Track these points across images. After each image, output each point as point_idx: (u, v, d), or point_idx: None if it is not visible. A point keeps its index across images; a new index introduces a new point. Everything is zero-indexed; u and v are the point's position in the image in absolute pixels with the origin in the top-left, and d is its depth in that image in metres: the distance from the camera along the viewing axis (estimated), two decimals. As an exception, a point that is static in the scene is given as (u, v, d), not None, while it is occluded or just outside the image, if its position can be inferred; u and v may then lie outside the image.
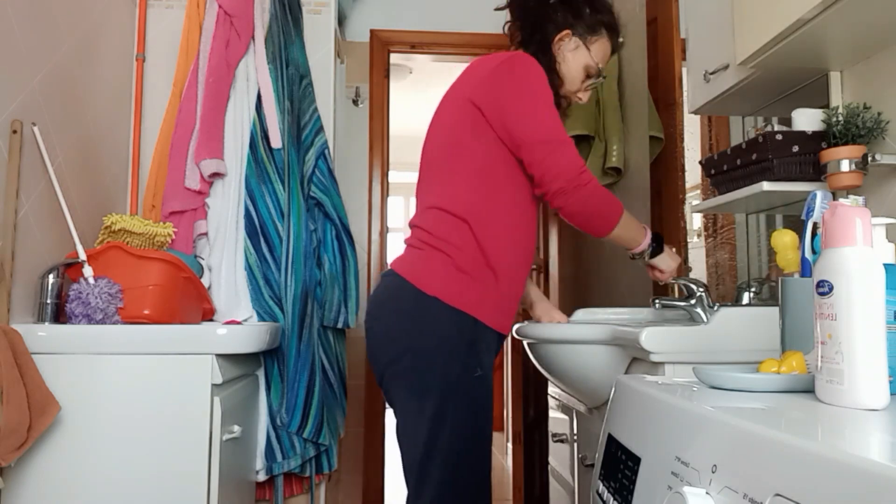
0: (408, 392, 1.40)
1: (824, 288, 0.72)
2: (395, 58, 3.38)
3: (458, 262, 1.40)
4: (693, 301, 1.51)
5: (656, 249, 1.52)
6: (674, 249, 1.58)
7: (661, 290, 2.10)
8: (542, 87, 1.43)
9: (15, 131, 1.55)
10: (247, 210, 2.05)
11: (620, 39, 1.60)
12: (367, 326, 1.49)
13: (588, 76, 1.55)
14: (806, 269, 0.95)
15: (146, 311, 1.68)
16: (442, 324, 1.38)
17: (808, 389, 0.79)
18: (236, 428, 1.67)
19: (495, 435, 5.20)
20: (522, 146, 1.39)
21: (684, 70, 1.92)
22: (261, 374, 2.00)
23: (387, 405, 1.61)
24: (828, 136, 1.29)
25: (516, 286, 1.48)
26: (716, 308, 1.30)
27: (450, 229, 1.42)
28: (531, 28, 1.54)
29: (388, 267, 1.52)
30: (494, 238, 1.42)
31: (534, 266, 3.43)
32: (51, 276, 1.64)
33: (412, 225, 1.51)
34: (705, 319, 1.45)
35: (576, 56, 1.53)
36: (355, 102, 3.21)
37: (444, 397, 1.36)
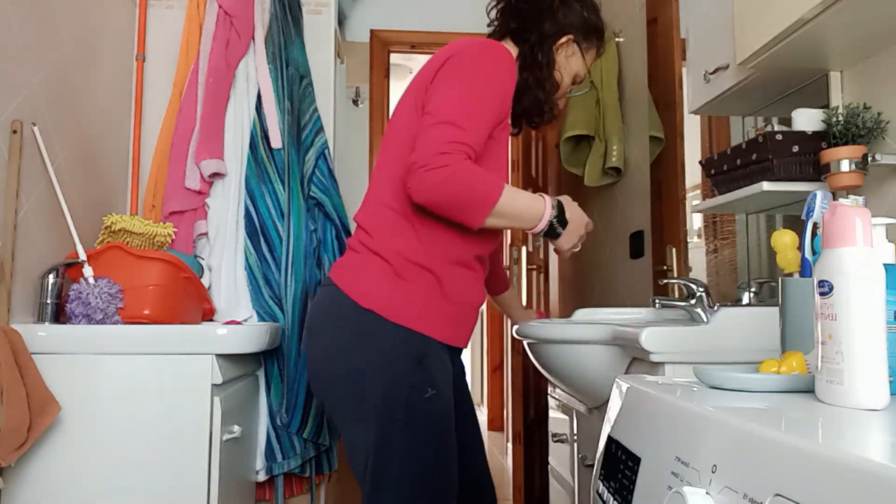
0: (352, 419, 1.25)
1: (824, 288, 0.72)
2: (395, 58, 3.38)
3: (398, 268, 1.25)
4: (693, 301, 1.51)
5: (555, 224, 1.29)
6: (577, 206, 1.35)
7: (662, 290, 2.10)
8: (483, 71, 1.26)
9: (15, 131, 1.55)
10: (247, 210, 2.05)
11: (603, 50, 1.53)
12: (304, 345, 1.32)
13: (573, 83, 1.49)
14: (806, 269, 0.95)
15: (146, 311, 1.68)
16: (382, 341, 1.23)
17: (808, 389, 0.79)
18: (236, 428, 1.67)
19: (495, 435, 5.19)
20: (423, 118, 1.24)
21: (684, 70, 1.92)
22: (261, 374, 2.00)
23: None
24: (828, 136, 1.29)
25: (462, 290, 1.33)
26: (716, 308, 1.30)
27: (391, 228, 1.28)
28: (530, 22, 1.40)
29: (326, 275, 1.35)
30: (435, 238, 1.28)
31: (533, 266, 3.43)
32: (51, 276, 1.64)
33: (356, 220, 1.37)
34: (705, 319, 1.45)
35: (571, 62, 1.46)
36: (355, 102, 3.21)
37: (390, 424, 1.21)
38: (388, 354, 1.23)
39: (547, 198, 1.30)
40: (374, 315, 1.23)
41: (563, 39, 1.43)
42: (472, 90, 1.24)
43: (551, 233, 1.30)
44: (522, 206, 1.27)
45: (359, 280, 1.27)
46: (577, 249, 1.36)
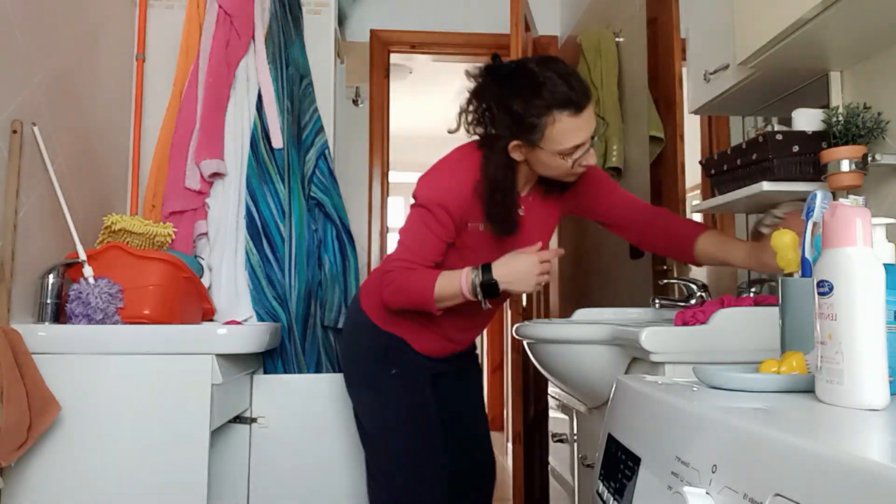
0: (347, 385, 1.68)
1: (824, 288, 0.72)
2: (395, 58, 3.38)
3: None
4: (693, 301, 1.51)
5: (487, 286, 1.39)
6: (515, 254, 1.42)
7: (662, 290, 2.10)
8: (420, 201, 1.45)
9: (15, 131, 1.55)
10: (249, 210, 2.04)
11: (583, 102, 1.34)
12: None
13: (567, 155, 1.36)
14: (806, 269, 0.95)
15: (146, 311, 1.68)
16: (362, 332, 1.62)
17: (808, 389, 0.79)
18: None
19: (495, 435, 5.19)
20: None
21: (684, 70, 1.92)
22: (260, 374, 2.00)
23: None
24: (828, 136, 1.29)
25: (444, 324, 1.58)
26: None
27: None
28: (486, 126, 1.42)
29: None
30: None
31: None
32: (51, 276, 1.64)
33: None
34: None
35: (538, 156, 1.38)
36: (355, 102, 3.21)
37: (361, 391, 1.64)
38: (364, 341, 1.63)
39: (463, 271, 1.42)
40: (364, 314, 1.62)
41: (512, 145, 1.38)
42: (411, 216, 1.48)
43: (489, 293, 1.41)
44: (449, 290, 1.42)
45: (366, 292, 1.65)
46: (542, 283, 1.44)
